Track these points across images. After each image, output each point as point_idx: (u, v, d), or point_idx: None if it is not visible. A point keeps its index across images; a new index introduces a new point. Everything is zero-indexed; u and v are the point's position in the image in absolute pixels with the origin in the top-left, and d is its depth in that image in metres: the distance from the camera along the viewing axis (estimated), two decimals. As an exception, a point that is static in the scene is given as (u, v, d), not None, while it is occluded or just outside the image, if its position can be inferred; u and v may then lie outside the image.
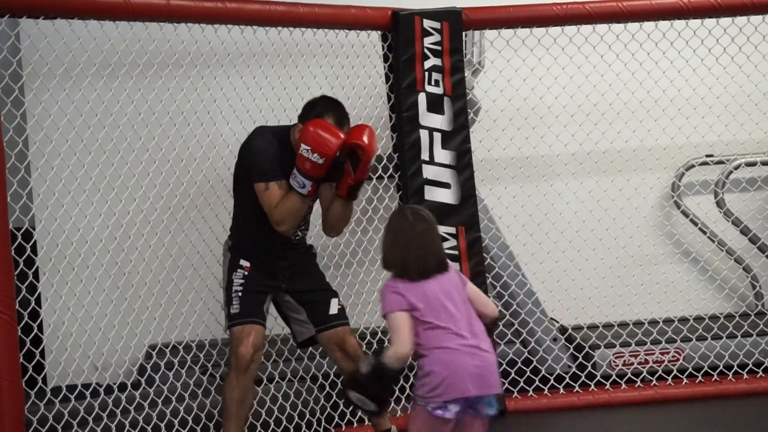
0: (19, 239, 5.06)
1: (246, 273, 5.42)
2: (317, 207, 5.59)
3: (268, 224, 5.35)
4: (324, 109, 5.35)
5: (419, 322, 4.52)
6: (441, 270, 4.63)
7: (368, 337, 6.54)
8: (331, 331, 5.56)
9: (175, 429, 5.53)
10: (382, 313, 4.58)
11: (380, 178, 6.85)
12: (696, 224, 7.84)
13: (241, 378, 5.34)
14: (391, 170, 6.74)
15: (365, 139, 5.30)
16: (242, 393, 5.36)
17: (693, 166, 7.84)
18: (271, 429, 5.87)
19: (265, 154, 5.35)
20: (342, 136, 5.20)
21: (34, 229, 5.47)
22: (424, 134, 6.65)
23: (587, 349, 7.05)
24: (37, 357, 5.10)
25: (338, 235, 5.65)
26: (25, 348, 4.92)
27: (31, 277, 5.12)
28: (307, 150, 5.14)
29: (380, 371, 4.52)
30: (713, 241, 7.79)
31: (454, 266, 4.80)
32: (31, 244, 5.20)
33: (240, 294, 5.40)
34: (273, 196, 5.31)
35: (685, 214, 7.87)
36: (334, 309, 5.59)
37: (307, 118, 5.34)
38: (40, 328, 5.25)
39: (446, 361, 4.48)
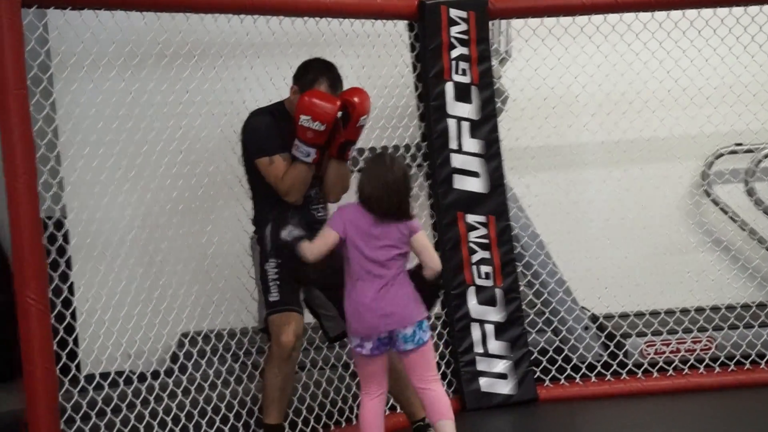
0: (51, 228, 5.07)
1: (278, 261, 5.44)
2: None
3: (288, 205, 5.39)
4: (318, 73, 5.40)
5: (349, 252, 5.02)
6: (399, 218, 5.01)
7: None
8: None
9: (207, 416, 5.53)
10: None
11: (408, 167, 6.84)
12: (726, 213, 7.80)
13: (283, 366, 5.35)
14: (419, 159, 6.75)
15: (356, 98, 5.35)
16: (284, 380, 5.38)
17: (722, 154, 7.81)
18: (303, 416, 5.87)
19: (262, 131, 5.41)
20: (337, 101, 5.26)
21: (65, 218, 5.49)
22: (452, 123, 6.66)
23: (619, 337, 7.03)
24: (71, 345, 5.11)
25: (336, 201, 5.62)
26: (59, 336, 4.94)
27: (63, 266, 5.14)
28: (307, 119, 5.21)
29: (290, 245, 5.06)
30: (744, 230, 7.75)
31: (413, 220, 5.10)
32: (62, 233, 5.22)
33: (278, 282, 5.41)
34: (278, 168, 5.36)
35: (715, 202, 7.83)
36: None
37: (301, 80, 5.41)
38: (74, 316, 5.27)
39: (356, 302, 5.00)
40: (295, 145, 5.29)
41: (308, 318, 5.69)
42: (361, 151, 6.46)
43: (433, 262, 5.05)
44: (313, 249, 5.00)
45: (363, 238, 4.97)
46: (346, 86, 5.47)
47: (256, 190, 5.54)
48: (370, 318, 4.97)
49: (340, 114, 5.34)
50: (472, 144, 6.67)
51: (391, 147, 6.72)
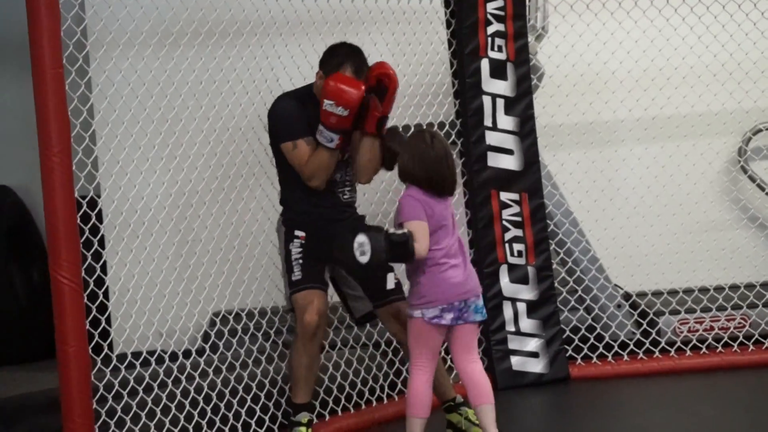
0: (84, 207, 5.07)
1: (303, 242, 5.45)
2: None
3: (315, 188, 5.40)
4: (344, 58, 5.36)
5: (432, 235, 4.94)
6: (451, 192, 5.07)
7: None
8: (389, 306, 5.58)
9: (239, 395, 5.56)
10: (400, 219, 4.98)
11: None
12: (763, 189, 7.76)
13: (308, 345, 5.37)
14: (453, 137, 6.72)
15: (390, 71, 5.34)
16: (310, 359, 5.40)
17: (760, 130, 7.77)
18: (334, 395, 5.90)
19: (288, 115, 5.39)
20: (362, 86, 5.22)
21: (98, 197, 5.50)
22: (487, 101, 6.64)
23: (651, 315, 7.03)
24: (103, 324, 5.14)
25: (369, 181, 5.63)
26: (91, 315, 4.95)
27: (96, 245, 5.16)
28: (331, 104, 5.18)
29: (400, 244, 4.85)
30: (780, 207, 7.72)
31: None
32: (96, 212, 5.23)
33: (300, 261, 5.42)
34: (302, 153, 5.35)
35: (752, 179, 7.79)
36: (390, 284, 5.60)
37: (327, 65, 5.37)
38: (106, 295, 5.27)
39: (447, 274, 4.97)
40: (318, 130, 5.28)
41: (336, 297, 5.71)
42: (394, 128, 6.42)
43: None
44: (423, 245, 4.91)
45: (437, 219, 4.97)
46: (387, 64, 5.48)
47: (283, 172, 5.54)
48: (459, 287, 5.00)
49: (371, 89, 5.31)
50: (507, 121, 6.65)
51: (425, 124, 6.70)
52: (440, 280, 4.97)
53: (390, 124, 5.51)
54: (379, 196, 6.62)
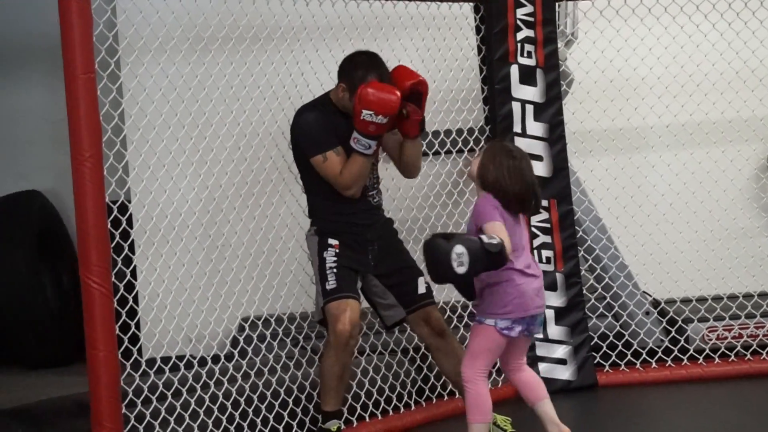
0: (115, 212, 5.08)
1: (337, 251, 5.46)
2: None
3: (343, 195, 5.41)
4: (366, 69, 5.36)
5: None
6: (534, 211, 5.29)
7: (448, 312, 6.50)
8: (420, 310, 5.59)
9: (267, 401, 5.56)
10: (480, 222, 4.93)
11: (471, 150, 6.83)
12: (793, 197, 7.72)
13: (341, 354, 5.38)
14: (483, 143, 6.72)
15: (420, 77, 5.39)
16: (342, 369, 5.41)
17: (791, 137, 7.73)
18: (362, 401, 5.90)
19: (313, 128, 5.41)
20: (397, 92, 5.22)
21: (129, 202, 5.52)
22: (516, 106, 6.64)
23: (680, 323, 7.00)
24: (133, 329, 5.15)
25: (418, 175, 5.73)
26: (121, 320, 4.97)
27: (126, 250, 5.18)
28: (371, 114, 5.17)
29: (497, 254, 4.76)
30: (810, 214, 7.69)
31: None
32: (126, 217, 5.24)
33: (335, 270, 5.43)
34: (334, 165, 5.36)
35: (781, 186, 7.76)
36: (422, 288, 5.62)
37: (349, 77, 5.37)
38: (136, 300, 5.28)
39: (526, 286, 5.00)
40: (354, 138, 5.27)
41: (367, 303, 5.71)
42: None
43: None
44: (509, 248, 4.86)
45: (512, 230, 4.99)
46: (411, 68, 5.47)
47: (311, 183, 5.55)
48: (535, 301, 5.06)
49: (405, 98, 5.32)
50: (536, 127, 6.64)
51: (454, 131, 6.71)
52: (521, 291, 5.01)
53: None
54: (408, 202, 6.61)
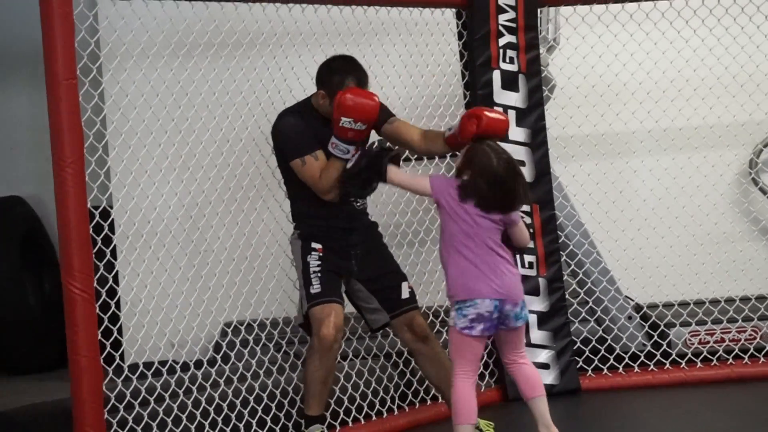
0: (97, 218, 5.09)
1: (320, 255, 5.46)
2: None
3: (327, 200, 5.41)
4: (344, 74, 5.37)
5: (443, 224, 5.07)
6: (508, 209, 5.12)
7: (431, 316, 6.50)
8: (403, 315, 5.60)
9: (250, 406, 5.56)
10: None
11: (454, 155, 6.83)
12: (774, 202, 7.75)
13: (324, 359, 5.38)
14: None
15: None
16: (325, 373, 5.42)
17: (772, 142, 7.76)
18: (344, 406, 5.90)
19: (292, 132, 5.41)
20: (375, 96, 5.22)
21: (111, 207, 5.52)
22: (498, 112, 6.64)
23: (662, 327, 7.02)
24: (115, 334, 5.15)
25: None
26: (103, 325, 4.97)
27: (108, 256, 5.17)
28: (349, 121, 5.17)
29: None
30: (791, 219, 7.71)
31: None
32: (108, 222, 5.25)
33: (319, 274, 5.43)
34: (313, 169, 5.36)
35: (762, 191, 7.78)
36: (405, 293, 5.63)
37: (328, 83, 5.38)
38: (118, 305, 5.29)
39: (458, 264, 5.04)
40: (333, 143, 5.27)
41: (350, 308, 5.71)
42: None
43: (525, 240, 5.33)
44: (400, 177, 5.18)
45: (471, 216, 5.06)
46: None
47: (293, 188, 5.56)
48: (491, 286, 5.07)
49: None
50: (518, 133, 6.65)
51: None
52: (462, 269, 5.03)
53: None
54: (391, 207, 6.62)
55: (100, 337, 4.90)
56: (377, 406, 6.10)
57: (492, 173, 4.99)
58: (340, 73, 5.37)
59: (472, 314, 5.00)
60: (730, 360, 6.96)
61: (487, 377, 6.61)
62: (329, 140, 5.30)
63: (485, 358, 6.53)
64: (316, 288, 5.42)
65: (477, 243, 5.01)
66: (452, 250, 5.05)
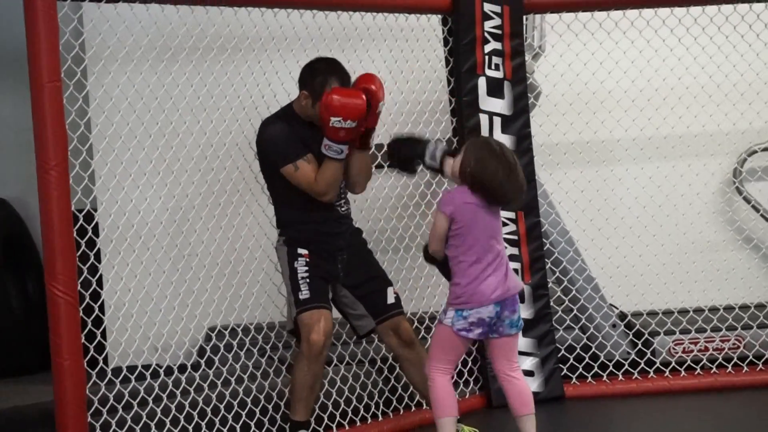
0: (81, 221, 5.09)
1: (307, 260, 5.45)
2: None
3: (312, 205, 5.40)
4: (326, 74, 5.38)
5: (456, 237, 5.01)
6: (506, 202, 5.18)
7: (415, 323, 6.49)
8: (389, 321, 5.60)
9: (234, 410, 5.55)
10: (438, 206, 5.08)
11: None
12: (758, 210, 7.75)
13: (313, 364, 5.37)
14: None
15: (373, 85, 5.36)
16: (313, 379, 5.40)
17: (755, 151, 7.76)
18: (329, 412, 5.88)
19: (280, 139, 5.39)
20: (361, 94, 5.24)
21: (95, 211, 5.50)
22: (484, 119, 6.64)
23: (647, 335, 7.01)
24: (99, 338, 5.14)
25: (362, 191, 5.70)
26: (87, 329, 4.96)
27: (92, 259, 5.16)
28: (339, 120, 5.18)
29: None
30: (775, 228, 7.72)
31: None
32: (92, 226, 5.23)
33: (308, 280, 5.42)
34: (307, 173, 5.35)
35: (746, 200, 7.78)
36: (390, 298, 5.63)
37: (311, 85, 5.38)
38: (102, 309, 5.28)
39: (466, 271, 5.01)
40: (326, 144, 5.27)
41: (336, 314, 5.70)
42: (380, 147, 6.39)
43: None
44: (433, 244, 5.12)
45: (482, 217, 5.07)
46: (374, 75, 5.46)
47: (278, 194, 5.54)
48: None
49: None
50: (503, 140, 6.63)
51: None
52: (471, 276, 5.00)
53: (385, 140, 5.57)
54: (376, 213, 6.62)
55: (83, 340, 4.89)
56: (362, 411, 6.08)
57: (499, 162, 4.99)
58: (323, 74, 5.37)
59: (474, 318, 5.00)
60: (714, 369, 6.95)
61: (471, 384, 6.60)
62: (314, 143, 5.31)
63: (470, 364, 6.54)
64: (305, 294, 5.40)
65: (484, 246, 5.01)
66: (463, 258, 5.03)
